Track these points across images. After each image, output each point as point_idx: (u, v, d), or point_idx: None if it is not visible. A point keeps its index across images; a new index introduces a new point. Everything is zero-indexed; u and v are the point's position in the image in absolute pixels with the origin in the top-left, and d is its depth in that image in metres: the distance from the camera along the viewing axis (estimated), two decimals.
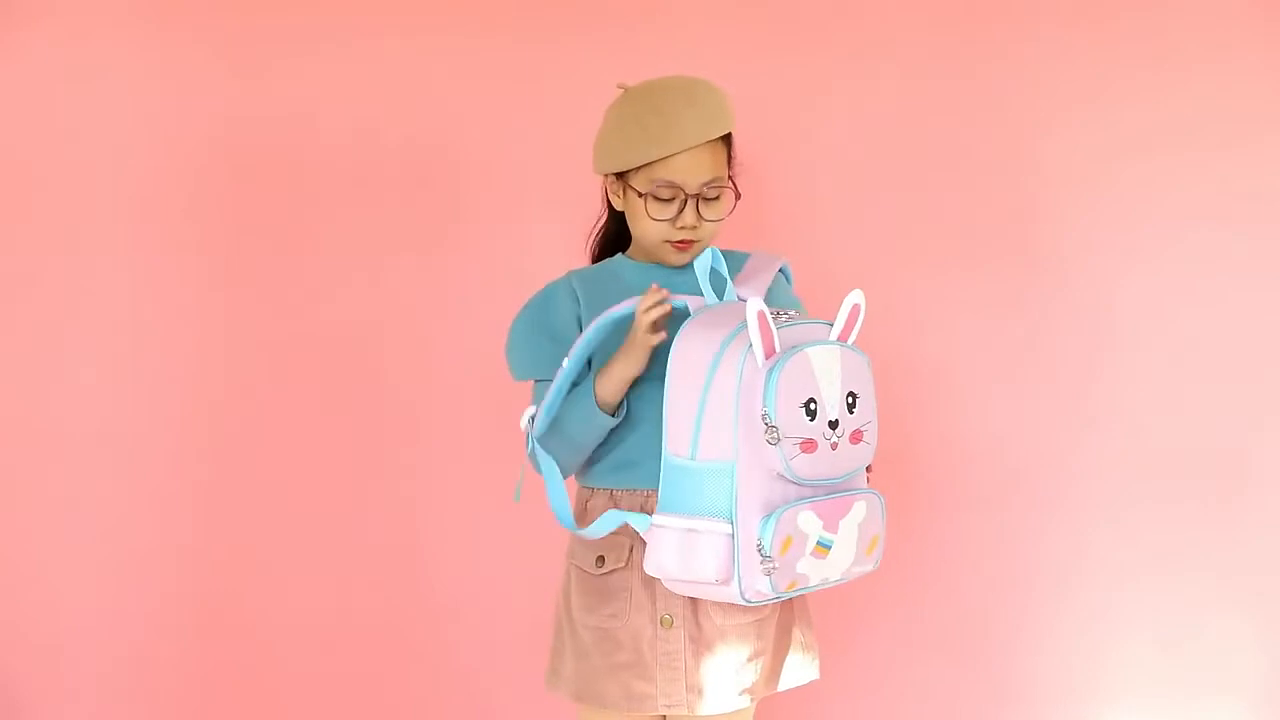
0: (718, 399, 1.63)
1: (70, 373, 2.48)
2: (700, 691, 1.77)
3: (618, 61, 2.06)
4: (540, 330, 1.83)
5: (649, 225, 1.80)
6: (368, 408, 2.51)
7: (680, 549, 1.63)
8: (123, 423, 2.49)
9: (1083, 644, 2.51)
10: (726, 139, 1.83)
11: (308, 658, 2.52)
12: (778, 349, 1.62)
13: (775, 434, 1.60)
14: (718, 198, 1.81)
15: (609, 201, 1.89)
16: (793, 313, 1.72)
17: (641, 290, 1.75)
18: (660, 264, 1.85)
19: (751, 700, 1.82)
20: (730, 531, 1.61)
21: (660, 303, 1.69)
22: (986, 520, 2.51)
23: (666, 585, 1.71)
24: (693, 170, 1.77)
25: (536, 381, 1.82)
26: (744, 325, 1.64)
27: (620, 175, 1.82)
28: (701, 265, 1.75)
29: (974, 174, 2.50)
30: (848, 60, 2.51)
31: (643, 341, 1.70)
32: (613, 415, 1.75)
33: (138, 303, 2.50)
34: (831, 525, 1.66)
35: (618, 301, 1.75)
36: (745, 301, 1.67)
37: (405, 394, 2.51)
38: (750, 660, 1.80)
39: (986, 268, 2.50)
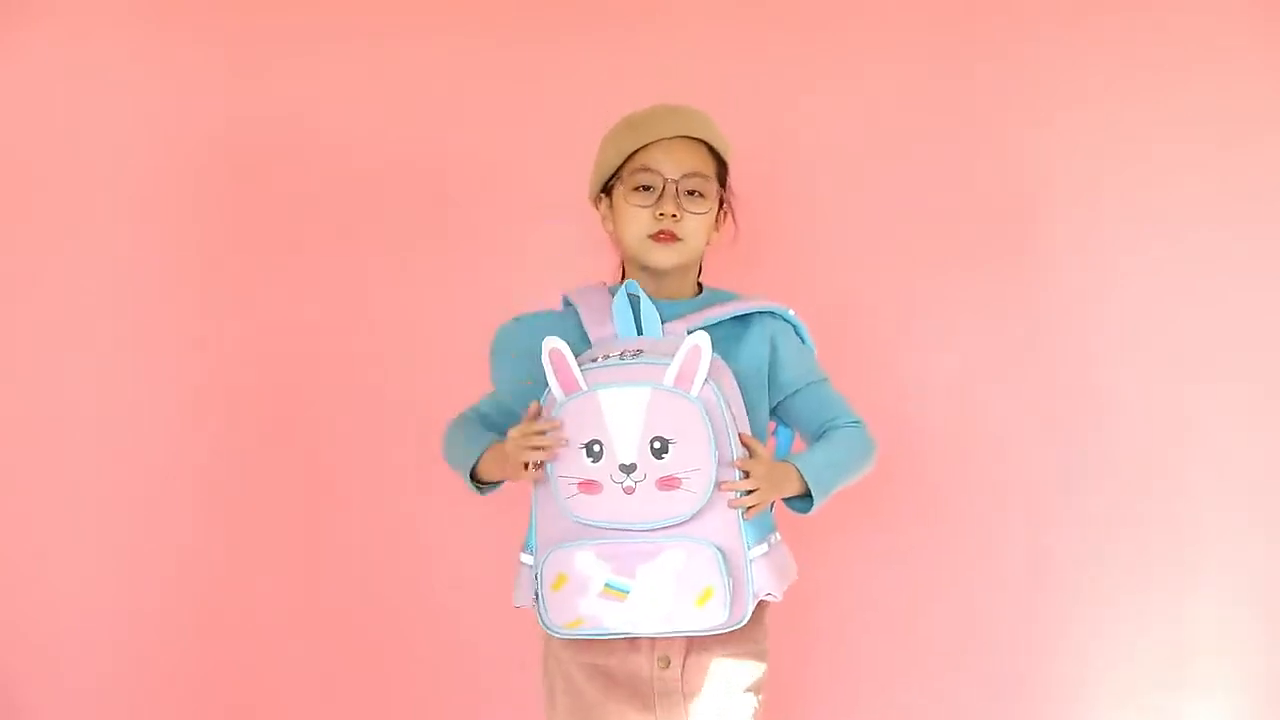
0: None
1: (70, 372, 2.49)
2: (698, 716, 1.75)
3: (619, 63, 2.07)
4: (515, 350, 1.83)
5: (631, 221, 1.79)
6: (367, 407, 2.51)
7: (518, 580, 1.76)
8: (123, 422, 2.49)
9: (1083, 644, 2.50)
10: (718, 159, 1.84)
11: (309, 657, 2.52)
12: (582, 388, 1.64)
13: (542, 472, 1.67)
14: (701, 195, 1.80)
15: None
16: (640, 351, 1.68)
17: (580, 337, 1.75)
18: (646, 264, 1.82)
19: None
20: (531, 563, 1.72)
21: (535, 444, 1.66)
22: (986, 521, 2.50)
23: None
24: (672, 159, 1.79)
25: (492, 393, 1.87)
26: (610, 357, 1.68)
27: (607, 193, 1.85)
28: (619, 297, 1.74)
29: (972, 174, 2.50)
30: (848, 61, 2.51)
31: (515, 462, 1.69)
32: (480, 489, 1.82)
33: (137, 302, 2.50)
34: (625, 570, 1.64)
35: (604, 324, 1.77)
36: (671, 336, 1.72)
37: (405, 394, 2.51)
38: (740, 682, 1.77)
39: (986, 267, 2.49)
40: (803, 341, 1.87)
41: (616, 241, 1.86)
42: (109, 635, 2.50)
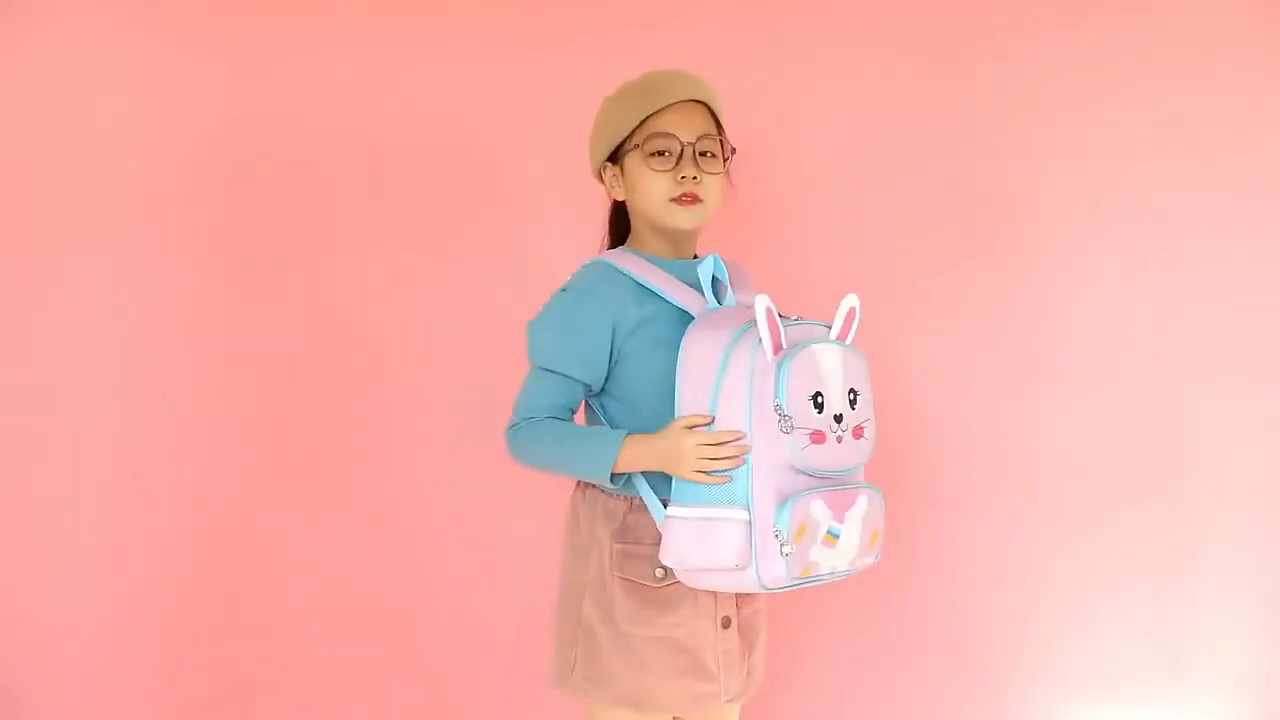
0: (730, 392, 1.69)
1: (72, 372, 2.48)
2: (753, 676, 1.89)
3: (623, 62, 2.08)
4: (573, 323, 1.81)
5: (652, 186, 1.84)
6: (370, 408, 2.51)
7: (697, 538, 1.69)
8: (124, 422, 2.50)
9: (1083, 645, 2.51)
10: (716, 122, 1.88)
11: (310, 657, 2.52)
12: (784, 345, 1.68)
13: (789, 423, 1.66)
14: (714, 155, 1.85)
15: (612, 209, 1.94)
16: (794, 315, 1.76)
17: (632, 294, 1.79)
18: (662, 258, 1.86)
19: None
20: (747, 519, 1.67)
21: (726, 454, 1.68)
22: (987, 522, 2.51)
23: (681, 575, 1.74)
24: (686, 122, 1.83)
25: (541, 369, 1.82)
26: (750, 324, 1.69)
27: (614, 160, 1.88)
28: (704, 270, 1.79)
29: (968, 174, 2.51)
30: (848, 63, 2.51)
31: (691, 474, 1.70)
32: (615, 483, 1.78)
33: (140, 302, 2.50)
34: (839, 515, 1.71)
35: (633, 302, 1.80)
36: (744, 305, 1.76)
37: (408, 394, 2.51)
38: (764, 640, 1.92)
39: (982, 266, 2.50)
40: None
41: (630, 208, 1.89)
42: (110, 636, 2.50)
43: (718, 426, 1.69)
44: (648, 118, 1.83)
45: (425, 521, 2.52)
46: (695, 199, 1.83)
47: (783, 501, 1.66)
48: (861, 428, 1.74)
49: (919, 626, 2.52)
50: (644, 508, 1.80)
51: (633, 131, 1.85)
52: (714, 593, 1.81)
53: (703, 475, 1.69)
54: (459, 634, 2.52)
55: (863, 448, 1.75)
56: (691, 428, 1.70)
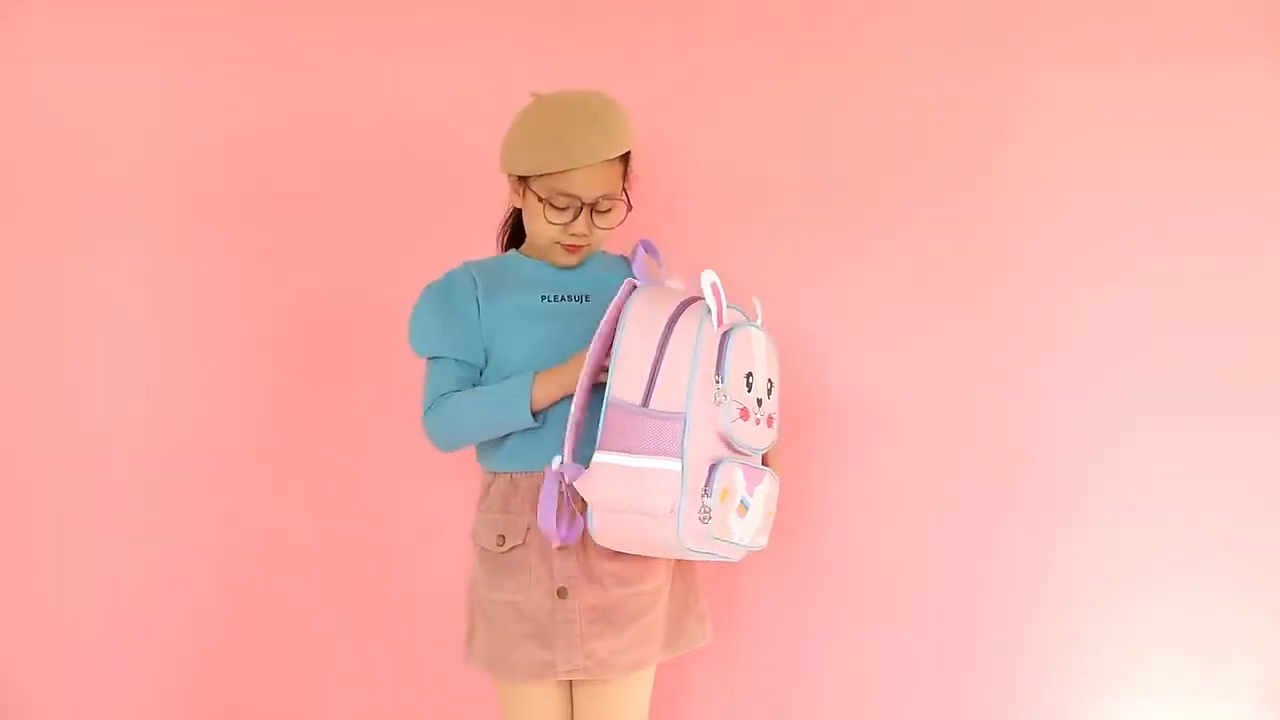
0: (676, 355, 1.78)
1: (71, 374, 2.51)
2: (596, 657, 1.90)
3: (622, 60, 2.09)
4: (444, 311, 1.96)
5: (544, 227, 1.95)
6: (375, 407, 2.52)
7: (633, 483, 1.76)
8: (126, 422, 2.52)
9: (1097, 645, 2.50)
10: (624, 156, 1.97)
11: (312, 657, 2.54)
12: (725, 322, 1.80)
13: (722, 394, 1.77)
14: (610, 210, 1.94)
15: (512, 211, 2.06)
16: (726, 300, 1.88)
17: (533, 283, 1.96)
18: (550, 263, 2.00)
19: (647, 665, 1.95)
20: (679, 470, 1.74)
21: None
22: (987, 522, 2.50)
23: (598, 530, 1.82)
24: (589, 185, 1.93)
25: (432, 359, 1.97)
26: (694, 300, 1.82)
27: (522, 178, 1.96)
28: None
29: (969, 177, 2.50)
30: (835, 62, 2.51)
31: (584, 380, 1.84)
32: (537, 419, 1.91)
33: (144, 301, 2.52)
34: (751, 489, 1.83)
35: (512, 290, 1.96)
36: (679, 286, 1.90)
37: (415, 395, 2.53)
38: (646, 627, 1.93)
39: (979, 271, 2.49)
40: None
41: (524, 219, 2.02)
42: (112, 636, 2.52)
43: (660, 388, 1.78)
44: (556, 172, 1.92)
45: (425, 522, 2.52)
46: (578, 248, 1.97)
47: (715, 462, 1.77)
48: (773, 417, 1.87)
49: (922, 625, 2.51)
50: (504, 477, 1.93)
51: (539, 176, 1.93)
52: (549, 563, 1.89)
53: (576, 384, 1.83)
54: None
55: (771, 435, 1.87)
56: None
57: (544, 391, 1.89)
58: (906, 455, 2.48)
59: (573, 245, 1.96)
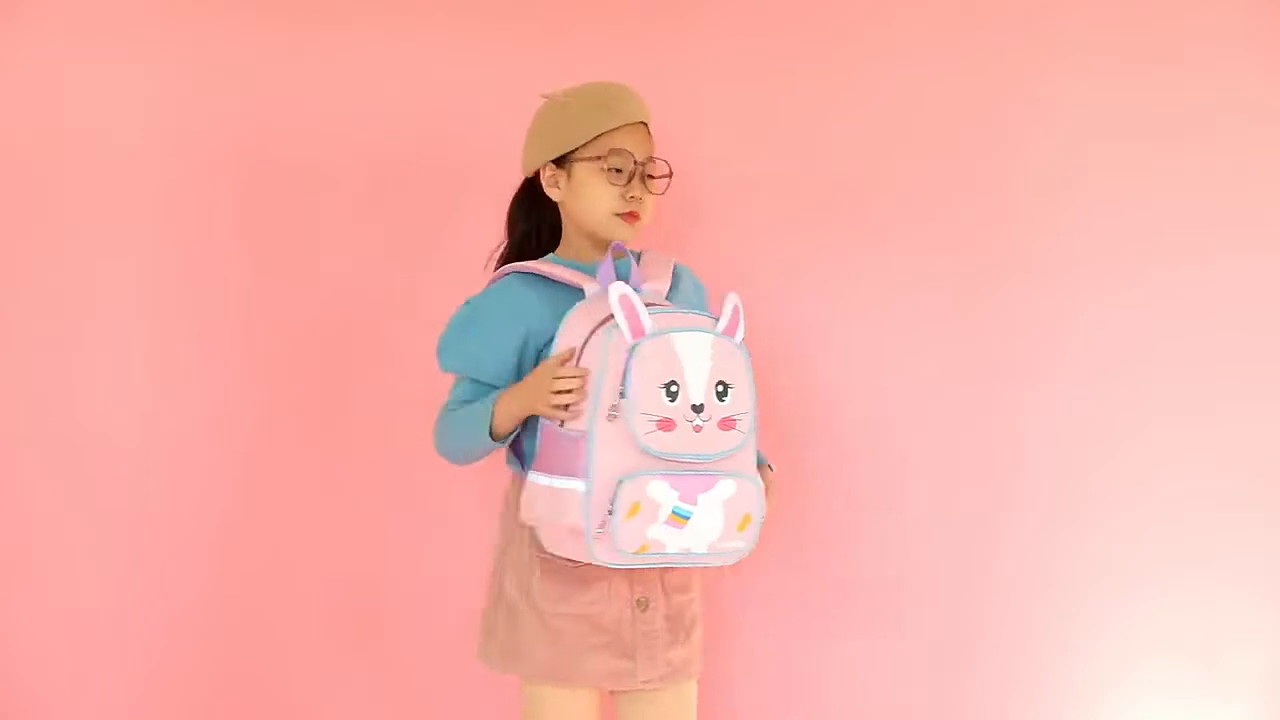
0: (590, 370, 1.77)
1: (74, 375, 2.49)
2: (674, 665, 1.93)
3: (625, 58, 2.09)
4: (480, 329, 1.93)
5: (600, 197, 1.92)
6: (376, 407, 2.52)
7: (549, 502, 1.80)
8: (129, 422, 2.50)
9: (1084, 645, 2.51)
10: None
11: (312, 657, 2.53)
12: (647, 331, 1.75)
13: (616, 410, 1.74)
14: (654, 177, 1.96)
15: (524, 205, 2.02)
16: (670, 304, 1.87)
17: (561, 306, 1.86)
18: (584, 263, 1.95)
19: (700, 672, 1.98)
20: (584, 490, 1.75)
21: (571, 387, 1.78)
22: (987, 523, 2.51)
23: (544, 539, 1.84)
24: (639, 143, 1.93)
25: (457, 377, 1.95)
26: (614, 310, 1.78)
27: (559, 163, 1.94)
28: (615, 292, 1.80)
29: (970, 177, 2.51)
30: (838, 64, 2.52)
31: (546, 408, 1.80)
32: (502, 441, 1.88)
33: (144, 301, 2.51)
34: (689, 498, 1.76)
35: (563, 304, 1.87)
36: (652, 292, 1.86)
37: (415, 394, 2.51)
38: (699, 633, 1.98)
39: (983, 270, 2.50)
40: None
41: (567, 212, 1.97)
42: (113, 637, 2.51)
43: (571, 407, 1.78)
44: (605, 133, 1.91)
45: (429, 522, 2.52)
46: (636, 216, 1.94)
47: (620, 479, 1.73)
48: (733, 420, 1.79)
49: (925, 625, 2.52)
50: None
51: (587, 143, 1.91)
52: (628, 576, 1.89)
53: (557, 409, 1.78)
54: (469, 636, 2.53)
55: (731, 439, 1.79)
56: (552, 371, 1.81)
57: (505, 410, 1.86)
58: (905, 456, 2.49)
59: (631, 214, 1.93)
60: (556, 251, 2.02)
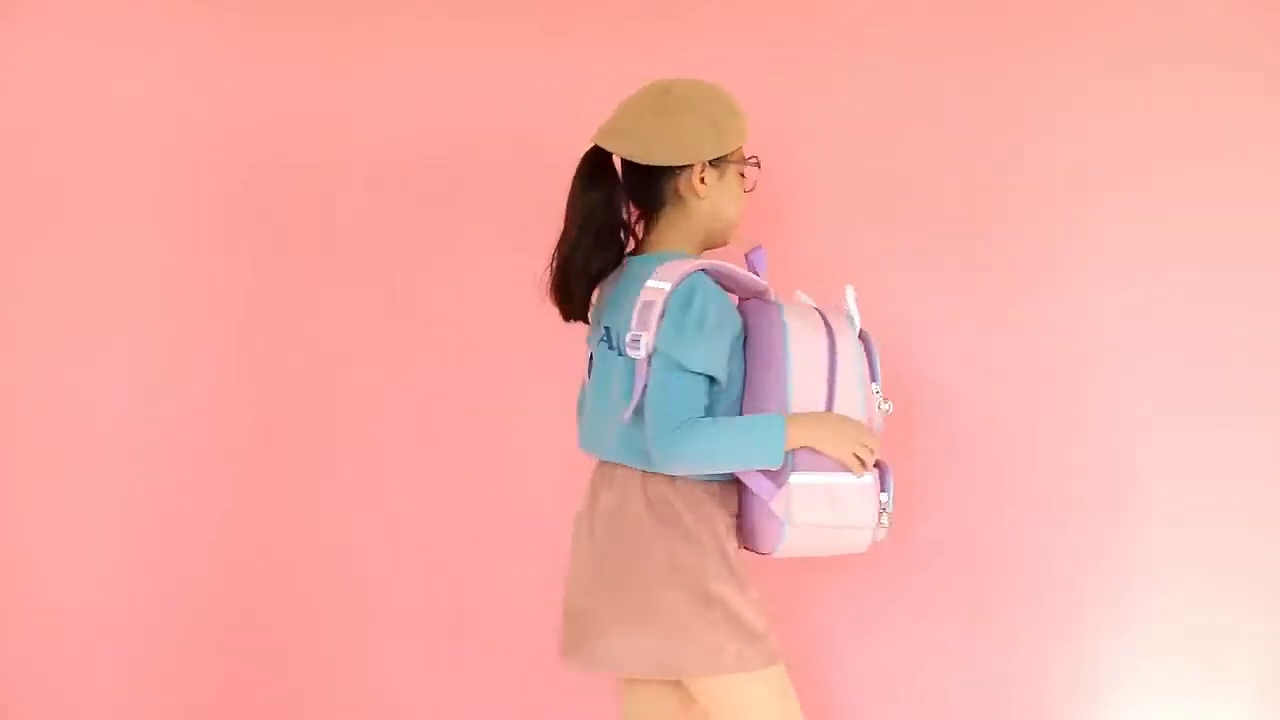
0: (845, 368, 1.84)
1: (78, 372, 2.50)
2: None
3: (626, 58, 2.09)
4: (722, 331, 1.88)
5: (739, 202, 1.97)
6: (377, 408, 2.52)
7: (831, 501, 1.83)
8: (129, 422, 2.52)
9: (1084, 645, 2.50)
10: None
11: (312, 657, 2.54)
12: (860, 327, 1.90)
13: (881, 397, 1.88)
14: None
15: (637, 202, 1.96)
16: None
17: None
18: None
19: None
20: (870, 482, 1.85)
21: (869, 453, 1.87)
22: (987, 523, 2.51)
23: (795, 539, 1.85)
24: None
25: (692, 373, 1.84)
26: (824, 313, 1.88)
27: (715, 162, 1.92)
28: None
29: (971, 177, 2.50)
30: (864, 63, 2.52)
31: (844, 456, 1.84)
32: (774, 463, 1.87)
33: (153, 300, 2.52)
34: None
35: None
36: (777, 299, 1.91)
37: (417, 394, 2.52)
38: None
39: (993, 267, 2.50)
40: None
41: (699, 213, 1.94)
42: (115, 636, 2.53)
43: (839, 406, 1.84)
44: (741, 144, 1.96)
45: (429, 522, 2.53)
46: None
47: (885, 471, 1.86)
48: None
49: (928, 624, 2.52)
50: (730, 487, 1.91)
51: (737, 149, 1.95)
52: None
53: (855, 460, 1.83)
54: (473, 637, 2.53)
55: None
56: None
57: (795, 437, 1.84)
58: (913, 454, 2.49)
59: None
60: (650, 245, 1.96)
